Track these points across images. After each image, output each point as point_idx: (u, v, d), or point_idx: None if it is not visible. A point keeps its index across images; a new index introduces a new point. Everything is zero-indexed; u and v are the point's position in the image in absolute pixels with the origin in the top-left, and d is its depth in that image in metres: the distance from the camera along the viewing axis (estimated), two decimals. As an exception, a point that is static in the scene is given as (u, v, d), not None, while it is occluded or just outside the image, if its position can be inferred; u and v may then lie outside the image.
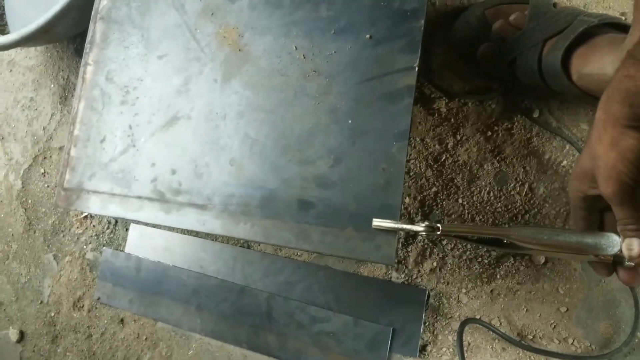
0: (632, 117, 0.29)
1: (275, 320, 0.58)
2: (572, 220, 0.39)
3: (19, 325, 0.75)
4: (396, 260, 0.55)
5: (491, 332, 0.51)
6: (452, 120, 0.55)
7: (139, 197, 0.44)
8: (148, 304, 0.64)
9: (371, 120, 0.38)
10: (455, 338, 0.52)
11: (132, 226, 0.68)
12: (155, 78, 0.47)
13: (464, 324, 0.50)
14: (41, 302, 0.73)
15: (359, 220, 0.37)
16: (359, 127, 0.39)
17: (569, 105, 0.53)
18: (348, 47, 0.40)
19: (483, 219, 0.53)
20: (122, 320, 0.67)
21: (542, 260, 0.52)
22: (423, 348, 0.54)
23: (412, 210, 0.55)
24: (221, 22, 0.45)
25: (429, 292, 0.54)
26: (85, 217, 0.71)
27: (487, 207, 0.53)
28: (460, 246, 0.54)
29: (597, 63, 0.40)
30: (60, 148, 0.75)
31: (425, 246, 0.55)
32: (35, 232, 0.75)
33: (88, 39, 0.50)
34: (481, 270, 0.53)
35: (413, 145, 0.55)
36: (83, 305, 0.70)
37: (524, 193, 0.53)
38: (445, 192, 0.54)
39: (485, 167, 0.54)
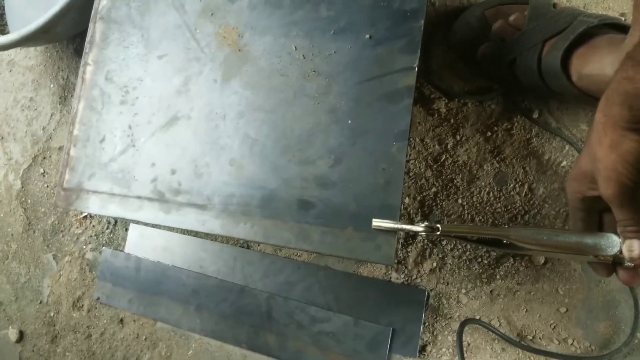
0: (631, 120, 0.29)
1: (275, 320, 0.58)
2: (571, 221, 0.39)
3: (18, 325, 0.75)
4: (396, 261, 0.55)
5: (491, 333, 0.51)
6: (452, 120, 0.55)
7: (139, 197, 0.44)
8: (147, 304, 0.64)
9: (371, 121, 0.38)
10: (454, 338, 0.52)
11: (132, 226, 0.68)
12: (155, 78, 0.47)
13: (463, 324, 0.50)
14: (40, 302, 0.73)
15: (358, 221, 0.37)
16: (358, 127, 0.39)
17: (568, 106, 0.53)
18: (348, 47, 0.40)
19: (483, 220, 0.53)
20: (121, 320, 0.67)
21: (542, 261, 0.52)
22: (423, 348, 0.54)
23: (411, 211, 0.55)
24: (221, 22, 0.45)
25: (428, 293, 0.54)
26: (85, 217, 0.71)
27: (487, 208, 0.53)
28: (459, 247, 0.54)
29: (597, 64, 0.40)
30: (60, 148, 0.75)
31: (425, 246, 0.55)
32: (34, 232, 0.75)
33: (88, 39, 0.50)
34: (481, 270, 0.53)
35: (413, 145, 0.55)
36: (82, 305, 0.70)
37: (523, 193, 0.53)
38: (444, 193, 0.54)
39: (484, 167, 0.54)
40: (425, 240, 0.55)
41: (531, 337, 0.51)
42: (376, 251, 0.37)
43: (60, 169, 0.49)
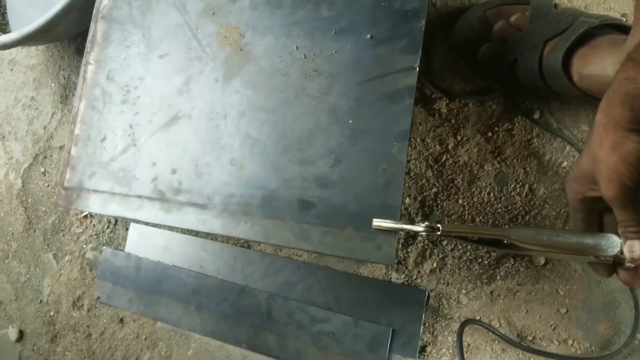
0: (632, 121, 0.29)
1: (275, 320, 0.58)
2: (571, 221, 0.39)
3: (18, 324, 0.75)
4: (396, 261, 0.55)
5: (491, 333, 0.51)
6: (453, 120, 0.55)
7: (139, 197, 0.44)
8: (148, 303, 0.64)
9: (372, 121, 0.38)
10: (455, 339, 0.52)
11: (132, 225, 0.68)
12: (156, 77, 0.47)
13: (463, 324, 0.50)
14: (41, 301, 0.73)
15: (359, 221, 0.37)
16: (359, 127, 0.39)
17: (569, 107, 0.53)
18: (349, 47, 0.40)
19: (483, 220, 0.53)
20: (121, 320, 0.67)
21: (542, 262, 0.52)
22: (423, 349, 0.54)
23: (412, 211, 0.55)
24: (222, 22, 0.45)
25: (428, 293, 0.54)
26: (85, 216, 0.71)
27: (488, 208, 0.53)
28: (460, 247, 0.54)
29: (598, 64, 0.40)
30: (61, 147, 0.75)
31: (426, 247, 0.55)
32: (35, 231, 0.75)
33: (89, 38, 0.50)
34: (481, 271, 0.53)
35: (413, 145, 0.55)
36: (82, 305, 0.70)
37: (524, 194, 0.53)
38: (445, 193, 0.54)
39: (485, 167, 0.54)
40: (426, 241, 0.55)
41: (531, 338, 0.51)
42: (376, 251, 0.37)
43: (61, 168, 0.49)
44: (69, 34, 0.73)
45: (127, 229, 0.68)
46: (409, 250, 0.55)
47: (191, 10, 0.46)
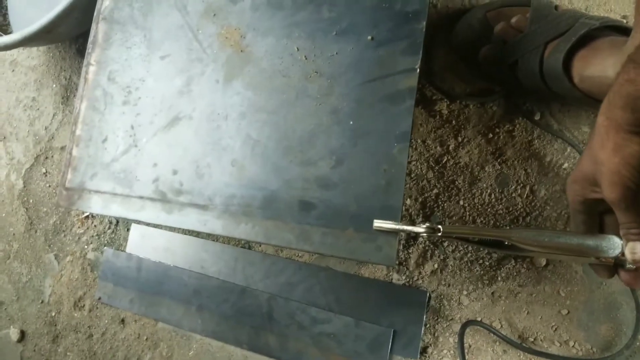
0: (634, 123, 0.29)
1: (276, 321, 0.58)
2: (572, 223, 0.39)
3: (19, 324, 0.75)
4: (397, 262, 0.55)
5: (492, 335, 0.51)
6: (454, 122, 0.55)
7: (141, 197, 0.44)
8: (149, 304, 0.64)
9: (373, 122, 0.39)
10: (456, 340, 0.52)
11: (133, 226, 0.68)
12: (157, 78, 0.47)
13: (465, 326, 0.50)
14: (42, 302, 0.73)
15: (360, 222, 0.37)
16: (360, 129, 0.39)
17: (570, 108, 0.53)
18: (350, 49, 0.40)
19: (484, 221, 0.53)
20: (122, 321, 0.67)
21: (543, 263, 0.52)
22: (424, 350, 0.53)
23: (413, 212, 0.55)
24: (223, 23, 0.45)
25: (430, 294, 0.54)
26: (87, 217, 0.72)
27: (488, 209, 0.53)
28: (461, 248, 0.54)
29: (599, 66, 0.40)
30: (62, 148, 0.75)
31: (426, 248, 0.55)
32: (36, 231, 0.75)
33: (90, 39, 0.50)
34: (482, 272, 0.53)
35: (414, 146, 0.55)
36: (84, 305, 0.70)
37: (525, 195, 0.53)
38: (446, 194, 0.54)
39: (486, 169, 0.54)
40: (427, 242, 0.55)
41: (532, 339, 0.51)
42: (377, 252, 0.37)
43: (63, 169, 0.49)
44: (70, 35, 0.73)
45: (128, 230, 0.68)
46: (410, 251, 0.55)
47: (192, 12, 0.46)
